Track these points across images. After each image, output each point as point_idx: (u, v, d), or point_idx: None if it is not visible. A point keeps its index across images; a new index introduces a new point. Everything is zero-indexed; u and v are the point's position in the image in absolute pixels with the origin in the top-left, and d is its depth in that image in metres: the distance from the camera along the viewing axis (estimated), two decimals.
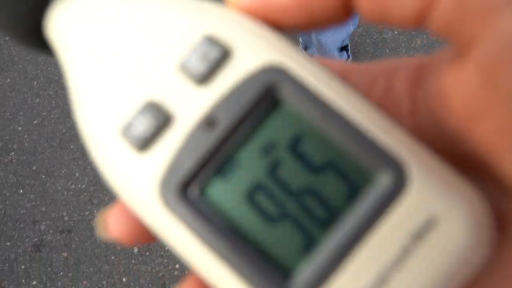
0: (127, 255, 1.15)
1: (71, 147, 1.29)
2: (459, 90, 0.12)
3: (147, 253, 1.15)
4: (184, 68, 0.12)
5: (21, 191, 1.25)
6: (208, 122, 0.12)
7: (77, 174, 1.25)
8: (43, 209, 1.23)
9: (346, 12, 0.12)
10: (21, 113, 1.35)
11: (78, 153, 1.28)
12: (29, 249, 1.19)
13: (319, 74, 0.12)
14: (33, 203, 1.23)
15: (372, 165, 0.12)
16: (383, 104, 0.14)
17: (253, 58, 0.12)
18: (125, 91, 0.13)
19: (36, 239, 1.19)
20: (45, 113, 1.34)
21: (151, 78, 0.13)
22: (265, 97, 0.12)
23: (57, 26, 0.14)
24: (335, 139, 0.12)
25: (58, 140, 1.30)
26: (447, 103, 0.12)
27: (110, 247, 1.17)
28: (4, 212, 1.23)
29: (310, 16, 0.12)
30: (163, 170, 0.12)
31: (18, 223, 1.21)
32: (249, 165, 0.12)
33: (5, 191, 1.26)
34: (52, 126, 1.32)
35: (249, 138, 0.12)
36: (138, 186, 0.12)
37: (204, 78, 0.12)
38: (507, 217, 0.12)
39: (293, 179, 0.12)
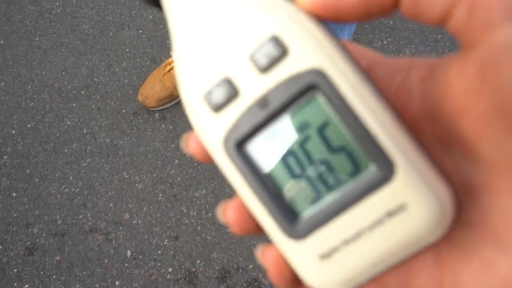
0: (120, 259, 1.16)
1: (65, 151, 1.29)
2: (460, 81, 0.15)
3: (140, 257, 1.16)
4: (252, 59, 0.17)
5: (14, 194, 1.25)
6: (263, 101, 0.17)
7: (70, 177, 1.26)
8: (36, 212, 1.23)
9: (393, 8, 0.15)
10: (15, 117, 1.36)
11: (72, 157, 1.28)
12: (22, 252, 1.19)
13: (350, 77, 0.16)
14: (26, 207, 1.24)
15: (371, 157, 0.16)
16: (399, 91, 0.18)
17: (304, 60, 0.16)
18: (210, 65, 0.17)
19: (29, 242, 1.19)
20: (39, 117, 1.35)
21: (229, 61, 0.17)
22: (306, 91, 0.16)
23: (170, 2, 0.18)
24: (349, 131, 0.16)
25: (52, 144, 1.30)
26: (449, 91, 0.15)
27: (103, 250, 1.17)
28: None
29: (368, 11, 0.16)
30: (227, 128, 0.17)
31: (11, 226, 1.21)
32: (286, 136, 0.17)
33: None
34: (46, 130, 1.33)
35: (290, 118, 0.17)
36: (211, 136, 0.17)
37: (265, 69, 0.16)
38: (476, 188, 0.16)
39: (315, 152, 0.17)
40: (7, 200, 1.25)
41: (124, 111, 1.33)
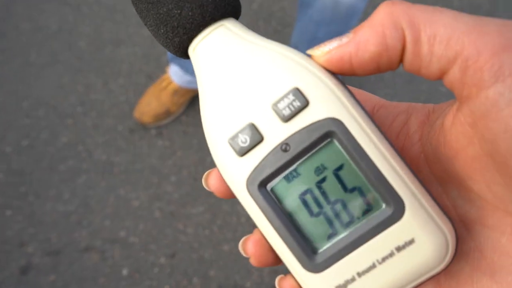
0: (116, 277, 1.15)
1: (61, 168, 1.29)
2: (455, 128, 0.17)
3: (137, 275, 1.15)
4: (276, 108, 0.18)
5: (9, 212, 1.24)
6: (284, 146, 0.18)
7: (66, 195, 1.25)
8: (31, 231, 1.21)
9: (399, 64, 0.18)
10: (9, 134, 1.35)
11: (67, 175, 1.28)
12: (16, 272, 1.17)
13: (362, 125, 0.18)
14: (21, 225, 1.22)
15: (384, 197, 0.18)
16: (400, 134, 0.20)
17: (322, 111, 0.18)
18: (235, 112, 0.19)
19: (23, 262, 1.18)
20: (35, 134, 1.34)
21: (254, 109, 0.19)
22: (324, 137, 0.18)
23: (197, 53, 0.20)
24: (363, 174, 0.18)
25: (47, 162, 1.30)
26: (445, 135, 0.18)
27: (98, 269, 1.16)
28: None
29: (378, 66, 0.18)
30: (250, 171, 0.19)
31: (5, 245, 1.20)
32: (305, 177, 0.19)
33: None
34: (41, 147, 1.32)
35: (309, 161, 0.18)
36: (235, 176, 0.19)
37: (287, 118, 0.18)
38: (471, 221, 0.19)
39: (331, 191, 0.18)
40: (1, 219, 1.23)
41: (120, 128, 1.33)
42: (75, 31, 1.51)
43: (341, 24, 1.02)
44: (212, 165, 1.25)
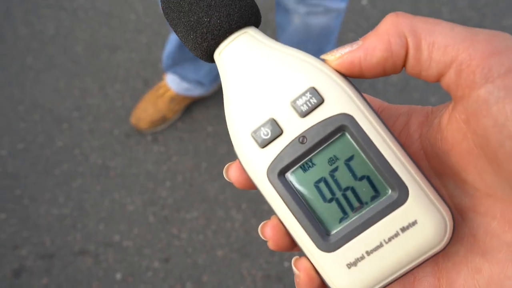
0: (109, 281, 1.15)
1: (56, 172, 1.29)
2: (450, 125, 0.20)
3: (130, 279, 1.15)
4: (294, 104, 0.21)
5: (3, 216, 1.24)
6: (301, 139, 0.21)
7: (61, 199, 1.26)
8: (25, 234, 1.22)
9: (402, 68, 0.20)
10: (5, 138, 1.35)
11: (62, 179, 1.28)
12: (9, 275, 1.17)
13: (371, 120, 0.20)
14: (15, 228, 1.23)
15: (390, 184, 0.20)
16: (401, 133, 0.23)
17: (336, 107, 0.21)
18: (258, 109, 0.21)
19: (16, 264, 1.18)
20: (30, 138, 1.35)
21: (275, 105, 0.21)
22: (337, 131, 0.21)
23: (223, 57, 0.23)
24: (372, 163, 0.21)
25: (43, 165, 1.30)
26: (442, 132, 0.21)
27: (92, 273, 1.16)
28: None
29: (384, 70, 0.20)
30: (271, 161, 0.21)
31: None
32: (320, 167, 0.21)
33: None
34: (37, 151, 1.33)
35: (323, 152, 0.21)
36: (256, 166, 0.21)
37: (304, 114, 0.21)
38: (465, 209, 0.21)
39: (343, 179, 0.21)
40: None
41: (116, 132, 1.34)
42: (72, 36, 1.53)
43: (317, 43, 1.05)
44: (207, 171, 1.27)
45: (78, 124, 1.36)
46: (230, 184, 1.24)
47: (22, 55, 1.50)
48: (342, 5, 0.99)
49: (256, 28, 0.23)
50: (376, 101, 0.24)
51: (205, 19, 0.22)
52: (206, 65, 1.23)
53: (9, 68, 1.47)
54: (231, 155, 1.29)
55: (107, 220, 1.22)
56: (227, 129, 1.26)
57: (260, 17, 0.24)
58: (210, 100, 1.37)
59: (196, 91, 1.30)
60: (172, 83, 1.28)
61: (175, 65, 1.22)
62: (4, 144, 1.35)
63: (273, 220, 0.22)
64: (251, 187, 0.23)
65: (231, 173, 0.23)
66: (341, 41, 1.44)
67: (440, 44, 0.19)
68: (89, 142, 1.33)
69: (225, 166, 0.23)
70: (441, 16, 1.50)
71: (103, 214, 1.23)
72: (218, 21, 0.22)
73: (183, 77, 1.25)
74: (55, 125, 1.37)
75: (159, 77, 1.41)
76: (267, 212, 1.21)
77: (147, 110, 1.30)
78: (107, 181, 1.27)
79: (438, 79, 0.19)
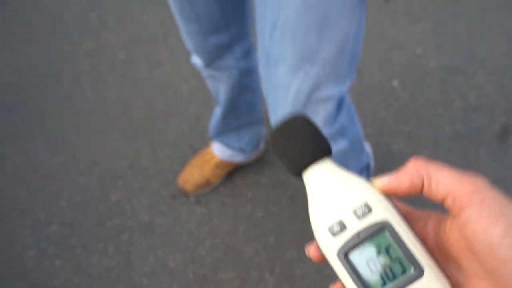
0: None
1: (108, 225, 1.43)
2: (450, 231, 0.31)
3: None
4: (354, 212, 0.31)
5: (58, 262, 1.37)
6: (358, 233, 0.30)
7: (110, 250, 1.38)
8: (76, 281, 1.33)
9: (420, 192, 0.30)
10: (66, 190, 1.51)
11: (113, 231, 1.41)
12: None
13: (402, 225, 0.31)
14: (68, 276, 1.34)
15: (412, 264, 0.30)
16: (421, 231, 0.34)
17: (380, 215, 0.30)
18: (332, 212, 0.31)
19: None
20: (88, 192, 1.50)
21: (342, 211, 0.31)
22: (380, 230, 0.30)
23: (308, 177, 0.33)
24: (401, 252, 0.30)
25: (96, 218, 1.44)
26: (447, 236, 0.32)
27: None
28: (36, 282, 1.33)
29: (410, 194, 0.32)
30: (340, 246, 0.30)
31: None
32: (369, 251, 0.30)
33: (44, 261, 1.38)
34: (92, 204, 1.47)
35: (371, 242, 0.30)
36: (330, 249, 0.31)
37: (360, 218, 0.30)
38: (461, 285, 0.30)
39: (383, 260, 0.30)
40: (51, 268, 1.36)
41: (164, 193, 1.48)
42: (131, 103, 1.72)
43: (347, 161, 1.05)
44: (244, 234, 1.37)
45: (131, 182, 1.51)
46: (265, 248, 1.34)
47: (86, 117, 1.70)
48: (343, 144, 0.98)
49: (330, 158, 0.34)
50: (404, 206, 0.35)
51: (299, 155, 0.34)
52: (247, 135, 1.37)
53: (77, 129, 1.67)
54: (267, 220, 1.40)
55: (150, 275, 1.33)
56: (264, 194, 1.37)
57: (331, 150, 0.35)
58: (250, 167, 1.50)
59: (239, 157, 1.44)
60: (218, 150, 1.43)
61: (220, 134, 1.37)
62: (64, 196, 1.50)
63: (337, 284, 0.33)
64: (323, 261, 0.32)
65: (311, 251, 0.32)
66: (374, 121, 1.57)
67: (442, 184, 0.28)
68: (139, 199, 1.47)
69: (307, 246, 0.33)
70: (467, 100, 1.61)
71: (147, 269, 1.34)
72: (307, 157, 0.34)
73: (227, 145, 1.40)
74: (111, 182, 1.52)
75: (205, 144, 1.56)
76: (299, 277, 1.29)
77: (193, 174, 1.44)
78: (153, 237, 1.39)
79: (442, 202, 0.30)
